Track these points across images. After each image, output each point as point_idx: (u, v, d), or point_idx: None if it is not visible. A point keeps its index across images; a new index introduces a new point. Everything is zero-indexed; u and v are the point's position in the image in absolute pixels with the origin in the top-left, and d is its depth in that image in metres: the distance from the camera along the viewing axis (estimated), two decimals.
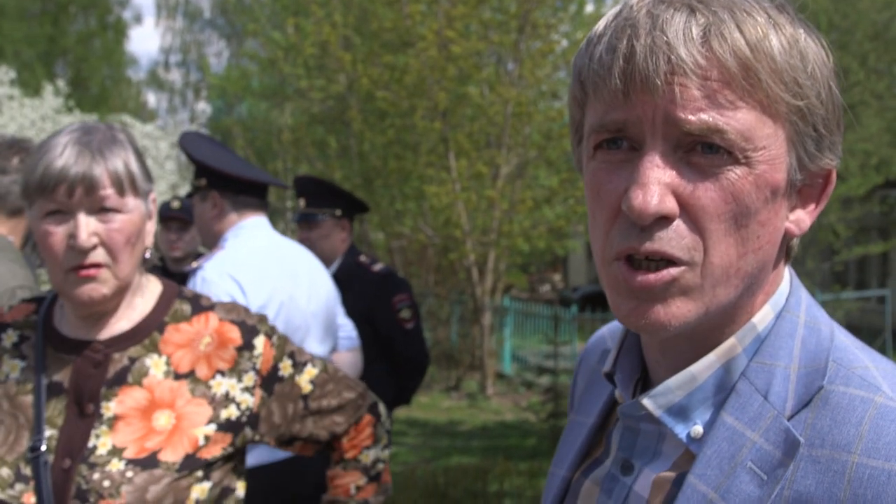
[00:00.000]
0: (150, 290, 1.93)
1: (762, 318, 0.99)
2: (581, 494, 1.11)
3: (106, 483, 1.73)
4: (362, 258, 4.67)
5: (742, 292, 0.96)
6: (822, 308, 1.04)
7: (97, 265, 1.77)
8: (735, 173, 0.91)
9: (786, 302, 1.01)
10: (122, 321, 1.87)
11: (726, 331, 0.99)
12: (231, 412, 1.87)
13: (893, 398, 0.91)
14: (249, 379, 1.90)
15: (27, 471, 1.75)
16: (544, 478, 8.21)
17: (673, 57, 0.89)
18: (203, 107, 36.64)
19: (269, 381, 1.93)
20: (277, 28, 17.45)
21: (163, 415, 1.82)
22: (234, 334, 1.91)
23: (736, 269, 0.93)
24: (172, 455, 1.79)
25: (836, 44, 14.11)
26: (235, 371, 1.89)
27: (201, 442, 1.82)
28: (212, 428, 1.84)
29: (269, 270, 3.29)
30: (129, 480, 1.73)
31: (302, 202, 4.60)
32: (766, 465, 0.92)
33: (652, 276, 0.92)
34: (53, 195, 1.75)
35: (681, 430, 0.98)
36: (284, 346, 1.98)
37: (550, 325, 14.66)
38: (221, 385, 1.87)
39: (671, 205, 0.91)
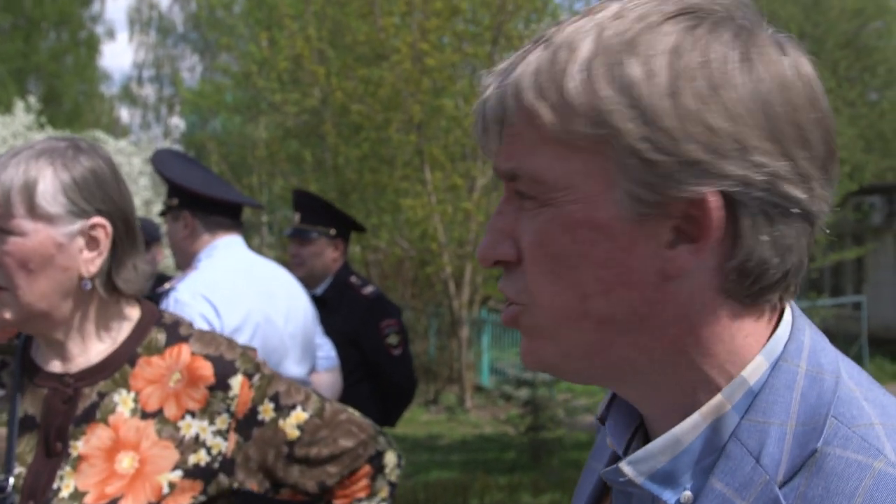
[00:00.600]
0: (126, 318, 1.76)
1: (754, 370, 0.87)
2: None
3: None
4: (353, 279, 4.57)
5: (614, 337, 0.88)
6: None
7: None
8: (543, 216, 0.86)
9: (783, 349, 0.88)
10: (93, 353, 1.72)
11: (652, 381, 0.91)
12: (200, 457, 1.70)
13: (895, 463, 0.81)
14: (223, 422, 1.73)
15: None
16: (525, 491, 8.14)
17: (487, 106, 0.89)
18: (176, 122, 36.52)
19: (246, 424, 1.75)
20: (251, 41, 17.39)
21: (126, 457, 1.67)
22: (207, 371, 1.73)
23: (581, 312, 0.87)
24: (133, 503, 1.64)
25: (808, 52, 14.18)
26: (207, 412, 1.72)
27: (165, 490, 1.66)
28: (178, 474, 1.68)
29: (244, 291, 3.24)
30: None
31: (297, 217, 4.51)
32: None
33: (504, 312, 0.93)
34: None
35: (669, 497, 0.88)
36: (267, 388, 1.78)
37: None
38: (191, 427, 1.71)
39: (502, 251, 0.90)
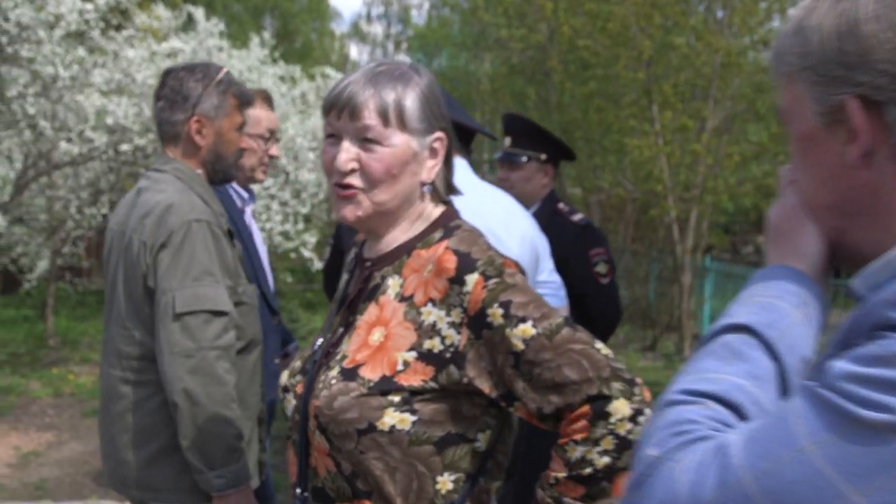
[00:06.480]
0: (428, 217, 1.98)
1: None
2: None
3: (319, 385, 1.87)
4: (561, 206, 4.40)
5: (845, 222, 1.19)
6: None
7: (352, 187, 1.88)
8: (790, 137, 1.25)
9: None
10: (391, 243, 1.97)
11: None
12: (434, 344, 1.81)
13: None
14: (457, 315, 1.81)
15: (308, 365, 1.99)
16: None
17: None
18: (403, 58, 37.09)
19: (476, 323, 1.78)
20: None
21: (378, 331, 1.88)
22: (451, 265, 1.85)
23: (817, 202, 1.22)
24: (371, 372, 1.82)
25: None
26: (445, 303, 1.83)
27: (399, 366, 1.81)
28: (412, 355, 1.82)
29: (463, 207, 3.11)
30: (330, 386, 1.84)
31: (507, 140, 4.38)
32: None
33: None
34: (328, 117, 1.90)
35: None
36: (500, 294, 1.78)
37: None
38: (431, 314, 1.84)
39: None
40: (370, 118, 1.85)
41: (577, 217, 4.36)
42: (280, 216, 11.55)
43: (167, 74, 3.02)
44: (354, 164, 1.87)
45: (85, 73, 9.17)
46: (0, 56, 8.60)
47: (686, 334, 13.00)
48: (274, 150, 3.83)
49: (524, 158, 4.33)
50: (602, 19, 12.11)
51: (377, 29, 39.21)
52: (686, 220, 12.88)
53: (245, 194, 3.81)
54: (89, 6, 9.05)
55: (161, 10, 13.00)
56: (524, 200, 4.19)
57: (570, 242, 4.21)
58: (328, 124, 1.92)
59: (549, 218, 4.27)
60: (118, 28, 10.73)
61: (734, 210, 14.53)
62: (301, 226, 12.06)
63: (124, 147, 9.60)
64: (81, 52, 9.19)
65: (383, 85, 1.87)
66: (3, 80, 8.74)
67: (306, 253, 11.81)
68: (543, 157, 4.34)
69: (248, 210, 3.84)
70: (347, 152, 1.87)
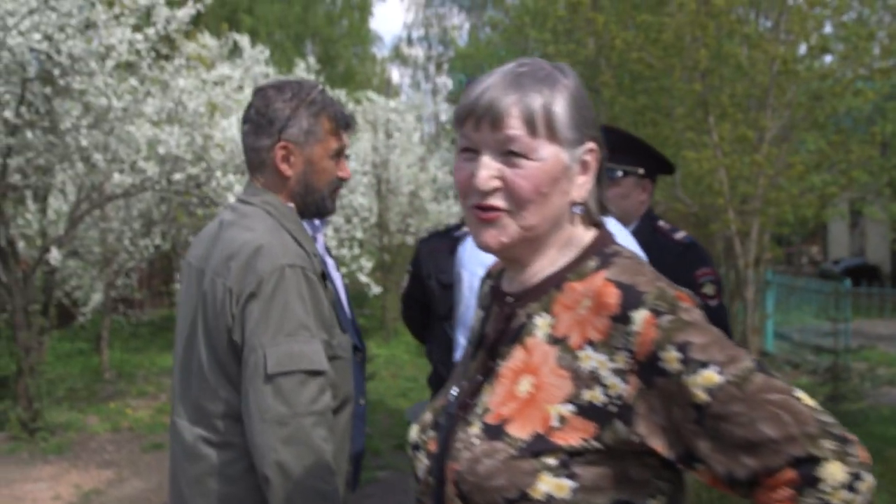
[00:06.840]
0: (577, 243, 1.68)
1: None
2: None
3: (458, 444, 1.58)
4: (661, 223, 4.08)
5: None
6: None
7: (495, 209, 1.60)
8: None
9: None
10: (536, 275, 1.67)
11: None
12: (596, 395, 1.50)
13: None
14: (622, 360, 1.49)
15: (441, 419, 1.71)
16: None
17: None
18: (444, 80, 37.07)
19: (647, 370, 1.47)
20: None
21: (526, 380, 1.58)
22: (612, 299, 1.53)
23: None
24: (520, 430, 1.52)
25: None
26: (607, 346, 1.51)
27: (554, 422, 1.51)
28: (569, 409, 1.51)
29: None
30: (472, 447, 1.55)
31: None
32: None
33: None
34: (463, 128, 1.62)
35: None
36: (676, 333, 1.46)
37: (819, 300, 13.65)
38: (590, 359, 1.52)
39: None
40: (515, 127, 1.57)
41: (680, 235, 4.05)
42: (335, 241, 11.40)
43: (256, 93, 2.72)
44: (497, 183, 1.59)
45: (136, 104, 9.11)
46: (53, 89, 8.56)
47: (752, 350, 12.64)
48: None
49: (620, 173, 4.02)
50: (654, 31, 11.87)
51: (418, 51, 39.25)
52: (747, 233, 12.54)
53: (316, 221, 3.58)
54: (139, 36, 8.99)
55: (207, 39, 13.03)
56: (621, 219, 3.90)
57: (673, 262, 3.87)
58: (463, 136, 1.63)
59: (650, 236, 3.95)
60: (167, 58, 10.70)
61: (794, 220, 14.16)
62: (357, 250, 11.89)
63: (177, 177, 9.51)
64: (133, 82, 9.14)
65: (528, 88, 1.58)
66: (56, 113, 8.68)
67: (362, 278, 11.63)
68: (641, 171, 4.04)
69: (320, 238, 3.61)
70: (488, 168, 1.59)
